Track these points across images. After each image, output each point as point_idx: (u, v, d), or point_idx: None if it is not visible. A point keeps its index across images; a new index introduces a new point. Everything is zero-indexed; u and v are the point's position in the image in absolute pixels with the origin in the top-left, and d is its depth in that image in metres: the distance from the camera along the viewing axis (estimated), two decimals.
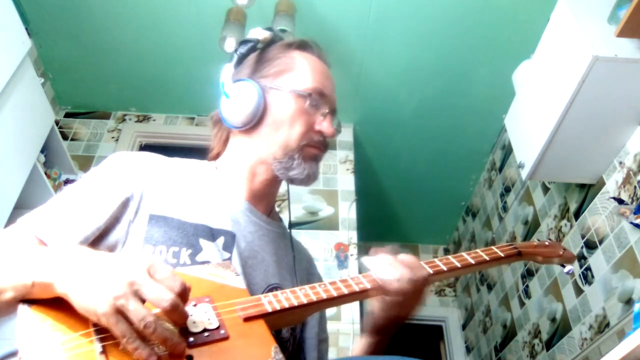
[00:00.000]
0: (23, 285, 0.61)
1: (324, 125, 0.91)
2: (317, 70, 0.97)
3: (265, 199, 0.93)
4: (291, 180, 0.90)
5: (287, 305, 0.70)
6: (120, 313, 0.54)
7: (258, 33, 0.92)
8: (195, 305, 0.66)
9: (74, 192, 0.81)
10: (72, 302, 0.58)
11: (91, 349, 0.56)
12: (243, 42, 0.90)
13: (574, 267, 2.14)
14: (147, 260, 0.59)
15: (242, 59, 0.90)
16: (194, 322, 0.63)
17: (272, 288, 0.85)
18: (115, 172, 0.83)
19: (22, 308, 0.63)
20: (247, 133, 0.89)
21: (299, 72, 0.92)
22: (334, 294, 0.74)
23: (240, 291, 0.72)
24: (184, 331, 0.61)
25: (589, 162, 1.94)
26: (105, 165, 0.84)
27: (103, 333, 0.58)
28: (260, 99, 0.87)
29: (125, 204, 0.79)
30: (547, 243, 0.96)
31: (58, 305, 0.61)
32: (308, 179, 0.91)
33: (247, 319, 0.67)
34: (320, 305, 0.75)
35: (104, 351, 0.56)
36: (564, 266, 0.95)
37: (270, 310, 0.69)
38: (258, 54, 0.93)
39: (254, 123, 0.87)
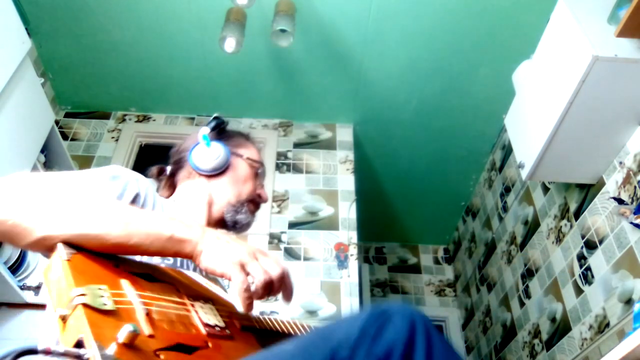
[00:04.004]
0: (158, 235, 0.72)
1: (263, 192, 1.18)
2: (259, 154, 1.25)
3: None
4: (235, 222, 1.12)
5: (271, 327, 0.85)
6: (243, 269, 0.72)
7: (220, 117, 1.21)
8: (204, 302, 0.76)
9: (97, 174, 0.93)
10: (200, 259, 0.73)
11: (132, 308, 0.62)
12: (215, 118, 1.18)
13: (577, 269, 2.14)
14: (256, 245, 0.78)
15: (214, 128, 1.15)
16: (207, 316, 0.73)
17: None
18: (124, 171, 0.96)
19: (64, 252, 0.65)
20: (208, 179, 1.12)
21: (253, 150, 1.21)
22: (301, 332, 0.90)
23: (231, 305, 0.85)
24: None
25: (589, 162, 1.94)
26: (107, 167, 0.96)
27: (147, 304, 0.65)
28: (228, 157, 1.13)
29: (135, 200, 0.93)
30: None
31: (98, 263, 0.67)
32: (247, 226, 1.14)
33: (244, 329, 0.79)
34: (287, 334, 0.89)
35: (149, 314, 0.63)
36: None
37: (257, 327, 0.84)
38: (223, 129, 1.20)
39: (217, 173, 1.12)
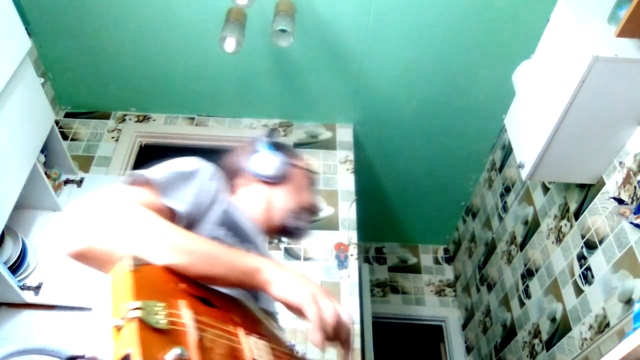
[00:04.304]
0: (237, 268, 0.76)
1: (316, 201, 1.24)
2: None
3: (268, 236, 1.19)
4: (296, 229, 1.16)
5: None
6: (315, 302, 0.75)
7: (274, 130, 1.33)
8: (259, 338, 0.77)
9: (172, 166, 0.94)
10: (271, 287, 0.77)
11: (186, 331, 0.62)
12: (272, 129, 1.27)
13: (577, 269, 2.14)
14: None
15: (270, 135, 1.22)
16: (259, 352, 0.73)
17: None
18: (201, 170, 0.98)
19: (132, 263, 0.66)
20: (269, 186, 1.16)
21: (304, 161, 1.27)
22: None
23: (285, 345, 0.88)
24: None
25: (589, 162, 1.94)
26: (187, 158, 0.99)
27: (201, 328, 0.65)
28: (289, 166, 1.18)
29: (207, 200, 0.95)
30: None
31: (161, 279, 0.69)
32: (306, 233, 1.19)
33: None
34: None
35: (201, 340, 0.63)
36: None
37: None
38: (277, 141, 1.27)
39: (277, 181, 1.16)
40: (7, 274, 1.97)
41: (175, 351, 0.54)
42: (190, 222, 0.89)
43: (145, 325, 0.57)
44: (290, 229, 1.16)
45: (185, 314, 0.64)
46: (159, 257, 0.71)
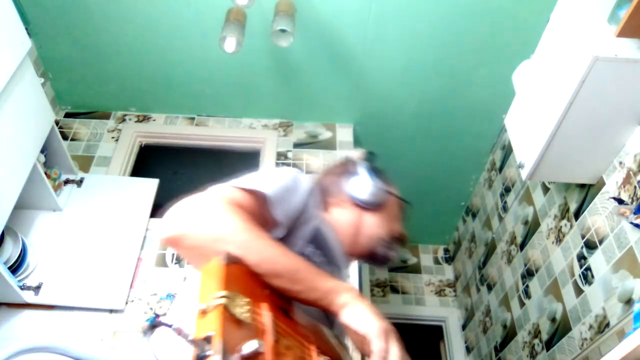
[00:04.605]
0: (318, 288, 0.79)
1: (404, 230, 1.22)
2: None
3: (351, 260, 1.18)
4: (385, 258, 1.15)
5: None
6: (384, 338, 0.76)
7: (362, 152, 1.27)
8: None
9: (280, 178, 0.95)
10: (343, 312, 0.79)
11: (264, 330, 0.65)
12: (370, 153, 1.25)
13: (577, 269, 2.14)
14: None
15: (370, 158, 1.23)
16: None
17: None
18: (301, 176, 1.01)
19: (226, 258, 0.71)
20: (363, 211, 1.14)
21: (395, 187, 1.25)
22: None
23: None
24: None
25: (589, 162, 1.94)
26: (288, 169, 1.02)
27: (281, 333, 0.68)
28: (385, 193, 1.17)
29: (306, 209, 0.97)
30: None
31: (249, 279, 0.73)
32: (393, 262, 1.19)
33: None
34: None
35: (277, 342, 0.66)
36: None
37: None
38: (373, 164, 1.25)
39: (372, 208, 1.14)
40: (7, 274, 1.97)
41: (254, 343, 0.57)
42: (283, 234, 0.90)
43: (229, 314, 0.60)
44: (379, 256, 1.14)
45: (266, 316, 0.67)
46: (249, 260, 0.75)
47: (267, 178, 0.92)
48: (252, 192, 0.87)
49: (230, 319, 0.60)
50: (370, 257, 1.15)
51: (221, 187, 0.86)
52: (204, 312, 0.61)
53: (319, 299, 0.80)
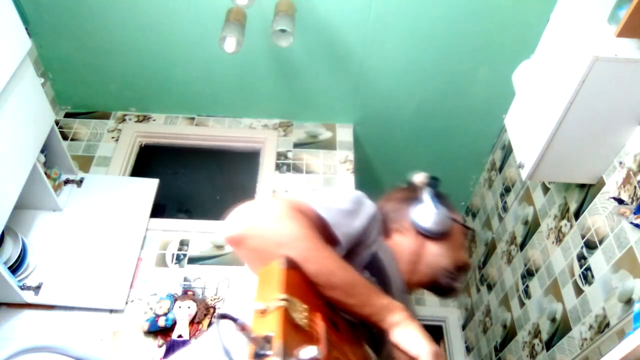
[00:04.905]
0: (373, 304, 0.79)
1: (468, 259, 1.16)
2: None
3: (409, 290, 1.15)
4: (449, 289, 1.10)
5: None
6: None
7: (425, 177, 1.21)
8: None
9: (342, 200, 0.94)
10: (394, 331, 0.80)
11: (319, 339, 0.66)
12: (433, 178, 1.17)
13: (577, 269, 2.14)
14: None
15: (434, 184, 1.16)
16: None
17: None
18: (366, 200, 0.99)
19: (287, 263, 0.72)
20: (425, 239, 1.09)
21: (458, 213, 1.18)
22: None
23: None
24: None
25: (589, 162, 1.94)
26: (355, 192, 1.00)
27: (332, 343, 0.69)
28: (450, 221, 1.11)
29: (366, 234, 0.94)
30: None
31: (307, 287, 0.74)
32: (458, 294, 1.14)
33: None
34: None
35: (329, 353, 0.67)
36: None
37: None
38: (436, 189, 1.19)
39: (436, 237, 1.09)
40: (7, 274, 1.97)
41: (312, 349, 0.57)
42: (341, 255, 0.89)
43: (288, 317, 0.61)
44: (442, 287, 1.10)
45: (321, 325, 0.68)
46: (308, 268, 0.75)
47: (330, 198, 0.92)
48: (316, 207, 0.87)
49: (289, 322, 0.61)
50: (432, 288, 1.11)
51: (290, 196, 0.87)
52: (263, 312, 0.62)
53: (371, 315, 0.80)
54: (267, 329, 0.58)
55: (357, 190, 1.00)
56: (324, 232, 0.86)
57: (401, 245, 1.09)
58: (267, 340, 0.57)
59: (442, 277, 1.09)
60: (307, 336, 0.62)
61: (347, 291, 0.78)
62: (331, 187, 2.87)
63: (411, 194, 1.16)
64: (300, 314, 0.64)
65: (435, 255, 1.09)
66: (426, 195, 1.12)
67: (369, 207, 0.97)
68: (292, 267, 0.72)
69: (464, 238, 1.17)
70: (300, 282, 0.73)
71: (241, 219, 0.79)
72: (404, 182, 1.22)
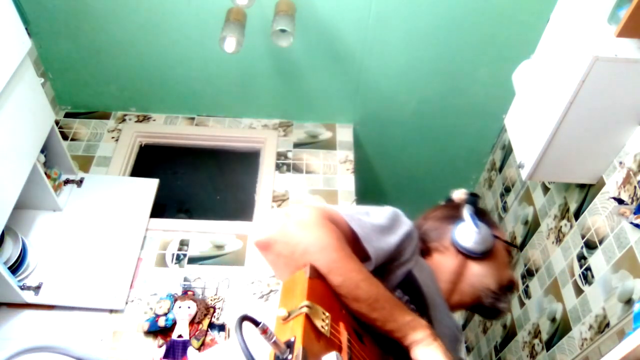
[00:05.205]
0: (396, 320, 0.79)
1: (515, 278, 1.11)
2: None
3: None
4: (495, 310, 1.06)
5: None
6: None
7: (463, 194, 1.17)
8: None
9: (379, 215, 0.93)
10: (416, 349, 0.79)
11: (340, 347, 0.67)
12: (472, 194, 1.14)
13: (577, 269, 2.14)
14: None
15: (475, 201, 1.12)
16: None
17: None
18: (401, 218, 0.96)
19: (310, 272, 0.73)
20: (467, 259, 1.06)
21: (502, 230, 1.14)
22: None
23: None
24: None
25: (589, 162, 1.94)
26: (391, 208, 0.97)
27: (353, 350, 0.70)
28: (493, 240, 1.07)
29: (400, 252, 0.92)
30: None
31: (330, 297, 0.75)
32: (504, 314, 1.09)
33: None
34: None
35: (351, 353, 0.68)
36: None
37: None
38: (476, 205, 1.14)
39: (480, 257, 1.06)
40: (7, 274, 1.97)
41: (332, 356, 0.58)
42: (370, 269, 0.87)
43: (311, 323, 0.62)
44: (487, 308, 1.06)
45: (344, 334, 0.69)
46: (332, 279, 0.75)
47: (365, 212, 0.91)
48: (348, 219, 0.86)
49: (311, 328, 0.61)
50: (476, 308, 1.08)
51: (325, 205, 0.86)
52: (286, 318, 0.63)
53: (394, 331, 0.80)
54: (289, 335, 0.59)
55: (394, 208, 0.97)
56: (355, 245, 0.84)
57: (442, 265, 1.05)
58: (289, 345, 0.57)
59: (486, 297, 1.05)
60: (328, 343, 0.63)
61: (370, 305, 0.78)
62: (331, 187, 2.87)
63: (451, 212, 1.12)
64: (323, 322, 0.64)
65: (478, 275, 1.05)
66: (466, 213, 1.07)
67: (404, 224, 0.95)
68: (317, 276, 0.73)
69: (508, 256, 1.11)
70: (324, 291, 0.73)
71: (271, 224, 0.79)
72: (444, 199, 1.19)
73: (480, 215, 1.10)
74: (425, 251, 1.08)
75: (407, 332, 0.80)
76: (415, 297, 0.93)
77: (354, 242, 0.84)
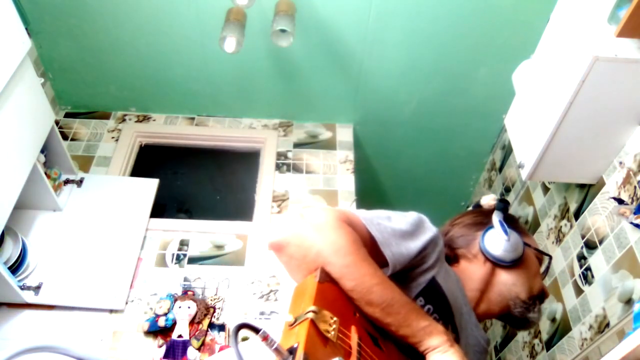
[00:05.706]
0: (411, 325, 0.78)
1: (546, 287, 1.08)
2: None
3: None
4: (525, 320, 1.03)
5: None
6: None
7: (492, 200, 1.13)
8: None
9: (401, 220, 0.91)
10: (433, 354, 0.78)
11: (349, 352, 0.66)
12: (502, 200, 1.10)
13: (577, 269, 2.14)
14: None
15: (504, 208, 1.08)
16: None
17: None
18: (425, 224, 0.95)
19: (320, 276, 0.72)
20: (497, 267, 1.03)
21: (533, 238, 1.11)
22: None
23: None
24: None
25: (589, 162, 1.94)
26: (415, 214, 0.96)
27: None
28: (523, 248, 1.03)
29: (423, 258, 0.90)
30: None
31: (342, 300, 0.74)
32: (534, 324, 1.05)
33: None
34: None
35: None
36: None
37: None
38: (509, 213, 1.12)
39: (510, 266, 1.02)
40: (7, 274, 1.97)
41: None
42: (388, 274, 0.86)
43: (316, 329, 0.61)
44: (516, 318, 1.03)
45: (354, 338, 0.67)
46: (344, 283, 0.74)
47: (387, 217, 0.89)
48: (366, 223, 0.84)
49: (316, 334, 0.61)
50: (505, 317, 1.05)
51: (344, 208, 0.85)
52: (291, 325, 0.62)
53: (409, 336, 0.78)
54: (294, 340, 0.58)
55: (418, 213, 0.95)
56: (373, 249, 0.82)
57: (469, 273, 1.03)
58: (291, 352, 0.57)
59: (515, 307, 1.02)
60: (335, 349, 0.62)
61: (384, 309, 0.76)
62: (331, 187, 2.87)
63: (479, 218, 1.10)
64: (330, 327, 0.63)
65: (507, 283, 1.02)
66: (495, 220, 1.04)
67: (428, 230, 0.93)
68: (329, 280, 0.72)
69: (539, 264, 1.08)
70: (336, 295, 0.72)
71: (286, 225, 0.78)
72: (472, 205, 1.15)
73: (510, 221, 1.07)
74: (452, 258, 1.06)
75: (423, 338, 0.79)
76: (439, 305, 0.90)
77: (372, 247, 0.82)
